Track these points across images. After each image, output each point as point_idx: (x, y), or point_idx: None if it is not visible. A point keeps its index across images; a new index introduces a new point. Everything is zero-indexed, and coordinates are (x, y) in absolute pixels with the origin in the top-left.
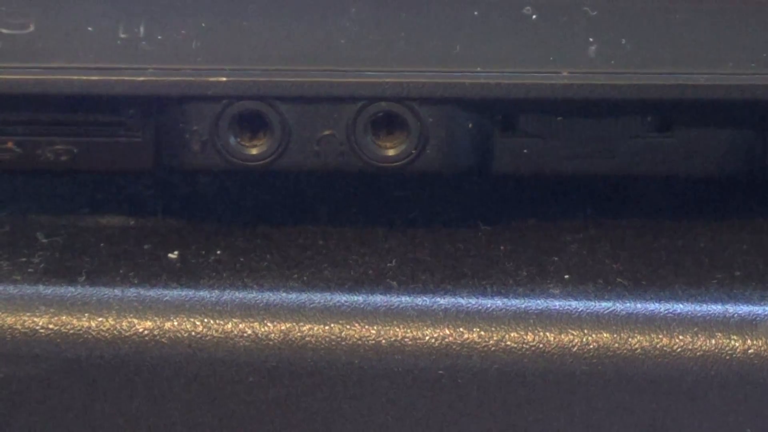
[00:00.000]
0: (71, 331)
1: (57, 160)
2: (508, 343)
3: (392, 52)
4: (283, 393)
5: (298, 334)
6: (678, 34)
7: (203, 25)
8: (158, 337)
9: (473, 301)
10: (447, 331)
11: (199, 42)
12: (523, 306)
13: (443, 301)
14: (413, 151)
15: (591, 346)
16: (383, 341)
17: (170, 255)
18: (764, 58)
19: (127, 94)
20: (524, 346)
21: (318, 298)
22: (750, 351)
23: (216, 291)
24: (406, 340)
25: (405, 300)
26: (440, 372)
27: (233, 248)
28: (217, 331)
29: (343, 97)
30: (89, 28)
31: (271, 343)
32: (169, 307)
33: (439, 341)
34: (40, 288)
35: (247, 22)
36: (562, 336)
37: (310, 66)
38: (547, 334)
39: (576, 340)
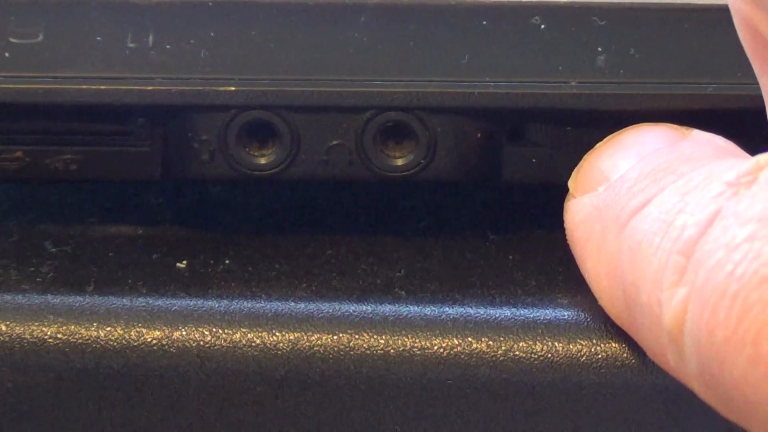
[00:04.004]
0: (80, 341)
1: (65, 169)
2: (517, 352)
3: (401, 61)
4: (291, 403)
5: (307, 343)
6: (686, 43)
7: (212, 34)
8: (167, 346)
9: (482, 310)
10: (455, 341)
11: (207, 51)
12: (531, 316)
13: (452, 310)
14: (422, 161)
15: (599, 356)
16: (392, 351)
17: (179, 264)
18: None
19: (136, 103)
20: (533, 355)
21: (326, 307)
22: None
23: (224, 300)
24: (414, 349)
25: (413, 310)
26: (449, 382)
27: (242, 258)
28: (225, 340)
29: (352, 106)
30: (98, 38)
31: (279, 352)
32: (177, 316)
33: (447, 351)
34: (49, 297)
35: (256, 32)
36: (571, 346)
37: (319, 75)
38: (556, 343)
39: (584, 350)
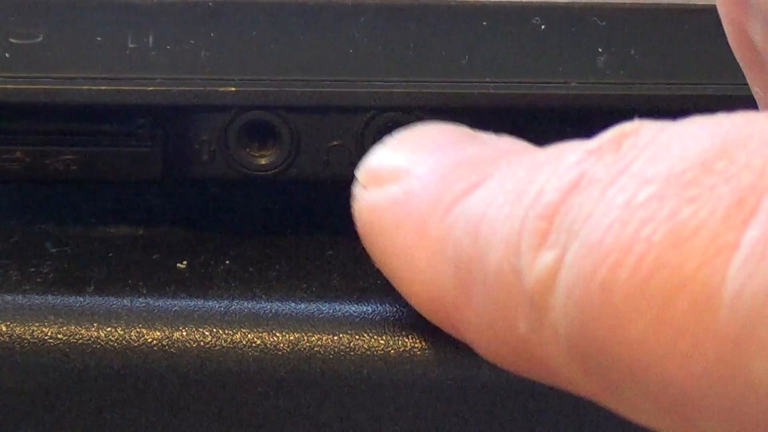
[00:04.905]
0: (80, 341)
1: (65, 169)
2: None
3: (401, 62)
4: (291, 403)
5: (307, 344)
6: (686, 44)
7: (212, 35)
8: (167, 347)
9: None
10: (456, 341)
11: (208, 52)
12: None
13: None
14: None
15: None
16: (392, 351)
17: (179, 265)
18: None
19: (136, 104)
20: None
21: (326, 308)
22: None
23: (225, 301)
24: (414, 350)
25: (414, 310)
26: (449, 382)
27: (242, 258)
28: (225, 341)
29: (352, 107)
30: (98, 38)
31: (279, 353)
32: (177, 317)
33: (448, 351)
34: (49, 298)
35: (256, 32)
36: None
37: (320, 76)
38: None
39: None
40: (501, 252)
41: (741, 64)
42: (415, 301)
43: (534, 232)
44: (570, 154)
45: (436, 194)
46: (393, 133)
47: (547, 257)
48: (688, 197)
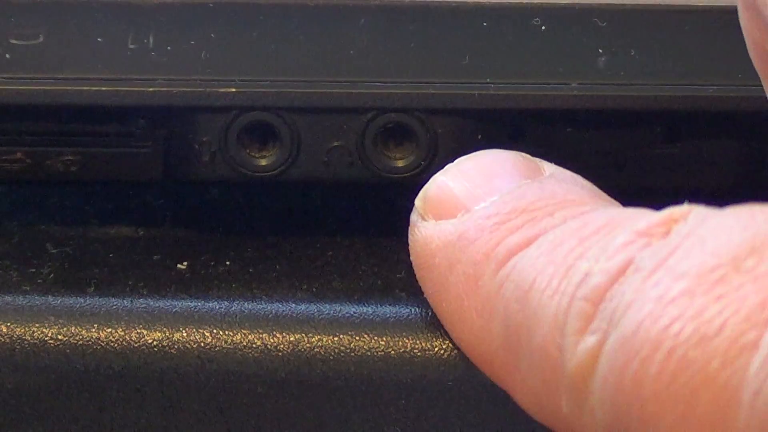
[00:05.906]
0: (80, 342)
1: (66, 170)
2: None
3: (402, 63)
4: (291, 404)
5: (307, 345)
6: (686, 45)
7: (212, 35)
8: (167, 347)
9: None
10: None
11: (208, 53)
12: None
13: None
14: (422, 162)
15: None
16: (392, 352)
17: (179, 266)
18: None
19: (137, 104)
20: None
21: (327, 309)
22: None
23: (225, 302)
24: (415, 351)
25: (414, 311)
26: (449, 383)
27: (242, 259)
28: (226, 342)
29: (352, 108)
30: (98, 39)
31: (280, 354)
32: (178, 317)
33: (448, 352)
34: (50, 299)
35: (257, 33)
36: None
37: (320, 77)
38: None
39: None
40: (547, 329)
41: (760, 75)
42: (464, 349)
43: (579, 315)
44: (621, 233)
45: (490, 244)
46: (455, 159)
47: (589, 342)
48: (716, 295)
